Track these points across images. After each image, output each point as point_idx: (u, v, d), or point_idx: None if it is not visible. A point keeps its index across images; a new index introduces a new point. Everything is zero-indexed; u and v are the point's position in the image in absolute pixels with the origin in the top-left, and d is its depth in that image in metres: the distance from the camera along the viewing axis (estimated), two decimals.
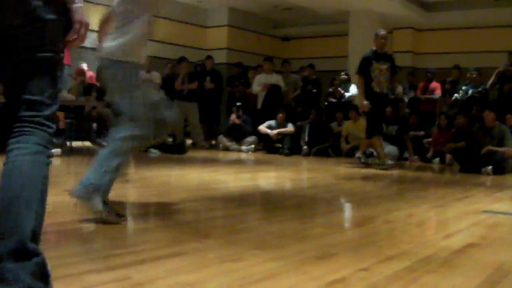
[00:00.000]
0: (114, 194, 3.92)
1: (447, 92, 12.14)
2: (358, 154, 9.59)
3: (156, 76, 12.28)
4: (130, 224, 3.84)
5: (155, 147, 10.57)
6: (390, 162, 9.15)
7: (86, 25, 2.07)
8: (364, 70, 8.83)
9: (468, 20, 15.89)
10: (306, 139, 11.52)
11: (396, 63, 15.47)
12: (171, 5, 16.03)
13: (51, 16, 1.97)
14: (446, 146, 10.00)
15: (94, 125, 11.23)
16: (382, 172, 8.51)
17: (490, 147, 8.85)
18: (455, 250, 3.21)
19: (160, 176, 6.90)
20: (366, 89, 8.78)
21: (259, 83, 12.27)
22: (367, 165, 9.11)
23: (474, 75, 11.62)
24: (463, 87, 11.65)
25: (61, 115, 9.47)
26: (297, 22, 18.66)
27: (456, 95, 11.82)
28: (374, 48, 9.02)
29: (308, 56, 17.68)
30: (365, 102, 8.72)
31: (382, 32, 9.21)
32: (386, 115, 10.40)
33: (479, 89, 11.43)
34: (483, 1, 14.39)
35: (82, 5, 2.06)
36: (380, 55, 8.94)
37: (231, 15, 17.60)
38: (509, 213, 4.74)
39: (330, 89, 12.94)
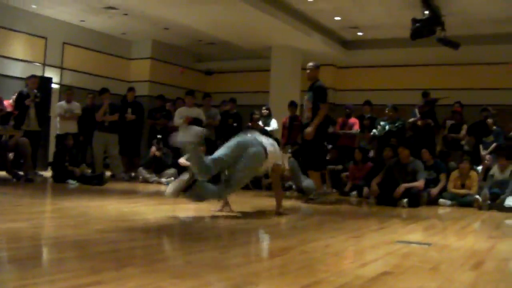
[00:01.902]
0: (31, 224, 3.83)
1: (365, 128, 12.46)
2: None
3: (76, 107, 12.13)
4: (47, 254, 3.75)
5: (74, 178, 10.41)
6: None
7: None
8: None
9: (385, 59, 16.47)
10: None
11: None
12: (94, 36, 15.93)
13: None
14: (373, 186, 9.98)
15: (11, 154, 10.94)
16: (302, 204, 8.61)
17: (404, 185, 9.09)
18: (370, 278, 3.28)
19: (78, 207, 6.75)
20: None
21: (180, 116, 12.25)
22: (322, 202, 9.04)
23: (391, 112, 11.99)
24: (381, 123, 11.99)
25: None
26: (220, 56, 18.83)
27: (374, 130, 12.15)
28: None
29: (230, 90, 17.86)
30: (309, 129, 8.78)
31: (309, 64, 9.38)
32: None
33: (396, 124, 11.79)
34: (400, 42, 14.92)
35: None
36: (309, 87, 9.11)
37: (154, 47, 17.62)
38: (422, 243, 4.88)
39: (250, 124, 13.05)
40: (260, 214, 7.16)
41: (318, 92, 8.90)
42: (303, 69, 16.23)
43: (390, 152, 10.39)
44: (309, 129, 8.72)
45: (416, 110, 12.22)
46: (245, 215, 6.88)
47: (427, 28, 12.08)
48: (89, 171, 11.19)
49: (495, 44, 14.81)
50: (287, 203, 8.90)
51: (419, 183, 9.22)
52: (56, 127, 12.37)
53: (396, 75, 17.01)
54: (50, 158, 12.60)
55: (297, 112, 13.02)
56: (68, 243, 4.14)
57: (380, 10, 13.55)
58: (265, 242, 5.13)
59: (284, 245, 4.56)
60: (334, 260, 4.00)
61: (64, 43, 15.57)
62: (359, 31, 15.68)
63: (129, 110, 12.77)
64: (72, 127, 11.95)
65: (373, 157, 11.69)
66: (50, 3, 13.55)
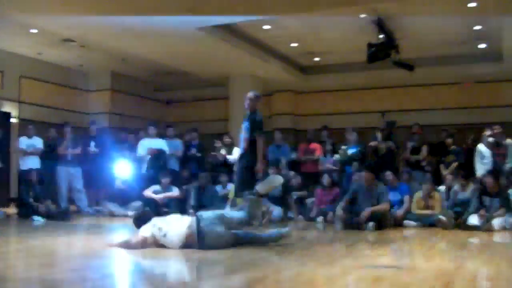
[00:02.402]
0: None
1: (327, 153, 12.60)
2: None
3: (38, 142, 12.01)
4: None
5: (38, 214, 10.30)
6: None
7: None
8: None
9: (343, 83, 16.72)
10: (193, 202, 11.52)
11: (278, 125, 16.01)
12: (52, 69, 15.80)
13: None
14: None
15: None
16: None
17: (369, 209, 9.18)
18: None
19: (46, 245, 6.67)
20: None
21: (144, 148, 12.24)
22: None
23: (353, 136, 12.14)
24: (343, 147, 12.13)
25: None
26: (179, 86, 18.85)
27: (336, 155, 12.30)
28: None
29: (190, 119, 17.88)
30: (261, 165, 8.63)
31: (249, 94, 9.10)
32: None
33: (358, 148, 11.95)
34: (356, 65, 15.14)
35: None
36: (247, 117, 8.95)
37: (113, 79, 17.50)
38: (391, 266, 4.95)
39: (213, 153, 13.08)
40: None
41: (255, 124, 8.72)
42: (263, 96, 16.38)
43: (357, 176, 10.53)
44: (259, 166, 8.61)
45: (378, 134, 12.40)
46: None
47: (382, 51, 12.30)
48: (54, 206, 11.06)
49: (449, 65, 15.15)
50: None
51: (384, 206, 9.34)
52: (18, 162, 12.21)
53: (355, 99, 17.25)
54: (12, 195, 12.42)
55: None
56: (38, 284, 4.10)
57: (335, 36, 13.75)
58: (237, 273, 5.13)
59: (256, 275, 4.58)
60: None
61: (21, 76, 15.38)
62: (316, 57, 15.87)
63: (93, 143, 12.71)
64: (35, 162, 11.81)
65: (338, 181, 11.80)
66: (5, 36, 13.43)
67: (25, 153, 11.94)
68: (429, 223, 9.77)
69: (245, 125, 8.67)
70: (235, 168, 9.97)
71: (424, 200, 10.21)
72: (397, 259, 5.77)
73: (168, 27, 11.80)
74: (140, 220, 6.27)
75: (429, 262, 5.44)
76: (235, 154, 12.78)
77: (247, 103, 8.87)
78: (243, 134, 8.69)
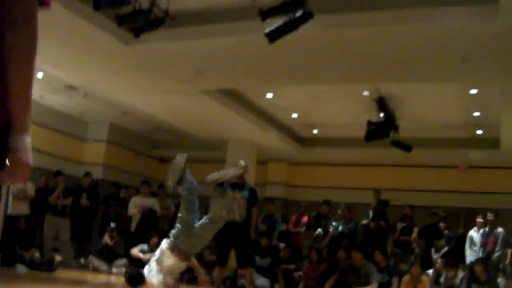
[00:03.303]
0: None
1: (311, 226, 12.53)
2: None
3: (30, 187, 11.85)
4: None
5: (22, 262, 10.12)
6: None
7: (22, 168, 1.82)
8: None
9: (339, 157, 16.78)
10: None
11: (270, 194, 15.97)
12: (51, 114, 15.78)
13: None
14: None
15: None
16: None
17: None
18: None
19: None
20: None
21: (135, 205, 12.15)
22: None
23: (344, 212, 12.11)
24: (333, 223, 12.07)
25: None
26: (176, 144, 18.81)
27: (319, 229, 12.25)
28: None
29: None
30: None
31: (242, 163, 9.46)
32: (260, 247, 10.59)
33: (349, 225, 11.90)
34: (354, 141, 15.18)
35: (22, 143, 1.82)
36: (237, 184, 9.29)
37: (111, 130, 17.46)
38: None
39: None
40: None
41: (255, 194, 9.44)
42: (258, 163, 16.44)
43: (343, 254, 10.44)
44: (252, 232, 9.34)
45: (370, 211, 12.38)
46: None
47: (381, 130, 12.36)
48: (39, 256, 10.88)
49: (446, 148, 15.25)
50: None
51: (373, 287, 9.25)
52: (7, 207, 12.04)
53: (349, 174, 17.28)
54: None
55: None
56: None
57: (336, 110, 13.88)
58: None
59: None
60: None
61: None
62: (315, 129, 15.97)
63: (84, 195, 12.60)
64: (24, 209, 11.62)
65: (324, 257, 11.68)
66: None
67: (17, 197, 11.75)
68: None
69: (244, 194, 9.10)
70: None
71: (412, 283, 10.11)
72: None
73: (173, 85, 11.88)
74: (135, 280, 6.22)
75: None
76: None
77: (244, 173, 9.28)
78: (241, 203, 9.08)
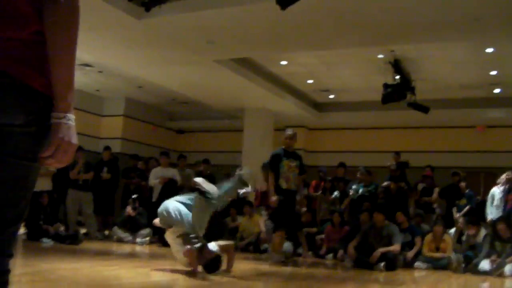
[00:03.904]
0: None
1: (327, 190, 12.58)
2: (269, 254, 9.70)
3: None
4: None
5: (48, 236, 10.28)
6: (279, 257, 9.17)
7: (67, 146, 1.79)
8: (274, 166, 9.14)
9: (356, 121, 16.74)
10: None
11: None
12: None
13: (45, 122, 1.78)
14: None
15: None
16: (277, 268, 8.61)
17: (380, 250, 9.15)
18: None
19: (55, 269, 6.64)
20: (275, 185, 9.11)
21: (155, 176, 12.25)
22: (284, 262, 9.13)
23: (364, 175, 12.13)
24: (354, 186, 12.10)
25: None
26: (193, 116, 18.93)
27: (336, 193, 12.30)
28: (283, 147, 9.39)
29: (202, 149, 17.95)
30: (275, 198, 9.05)
31: (289, 132, 9.55)
32: None
33: (369, 188, 11.93)
34: (371, 104, 15.18)
35: (67, 122, 1.80)
36: (289, 153, 9.30)
37: (127, 105, 17.61)
38: None
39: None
40: (237, 278, 7.13)
41: (302, 162, 9.55)
42: (275, 130, 16.46)
43: (366, 216, 10.48)
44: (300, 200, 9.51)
45: (390, 174, 12.40)
46: (221, 279, 6.86)
47: (398, 92, 12.32)
48: (64, 229, 11.05)
49: (463, 108, 15.18)
50: (262, 266, 8.91)
51: (395, 247, 9.30)
52: None
53: (368, 138, 17.28)
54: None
55: None
56: None
57: (351, 74, 13.85)
58: None
59: None
60: None
61: None
62: (331, 94, 15.95)
63: (105, 169, 12.72)
64: (46, 185, 11.76)
65: (347, 220, 11.74)
66: None
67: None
68: (439, 266, 9.72)
69: (297, 163, 9.30)
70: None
71: (435, 243, 10.16)
72: None
73: (186, 57, 11.89)
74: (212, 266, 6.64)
75: None
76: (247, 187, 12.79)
77: (294, 141, 9.52)
78: (294, 171, 9.23)
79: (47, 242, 10.18)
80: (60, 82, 1.78)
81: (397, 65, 12.10)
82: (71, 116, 1.80)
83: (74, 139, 1.80)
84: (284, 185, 9.16)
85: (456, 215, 11.66)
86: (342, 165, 13.08)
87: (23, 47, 1.73)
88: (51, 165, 1.81)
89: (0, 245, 1.78)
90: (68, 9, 1.77)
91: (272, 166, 9.23)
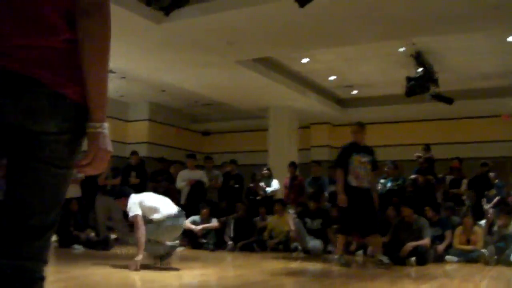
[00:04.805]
0: None
1: None
2: (336, 256, 8.86)
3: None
4: None
5: (79, 242, 10.40)
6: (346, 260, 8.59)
7: (103, 154, 1.88)
8: (342, 162, 8.46)
9: (381, 115, 16.66)
10: (231, 234, 11.53)
11: (315, 157, 16.04)
12: None
13: (79, 130, 1.85)
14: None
15: None
16: (307, 266, 8.61)
17: (411, 244, 9.09)
18: None
19: (87, 275, 6.72)
20: (344, 183, 8.34)
21: (183, 179, 12.32)
22: (347, 264, 8.50)
23: (391, 169, 12.07)
24: (381, 181, 12.05)
25: None
26: (217, 117, 19.02)
27: None
28: (353, 140, 8.69)
29: (228, 150, 18.02)
30: (343, 197, 8.31)
31: (354, 125, 8.93)
32: (310, 210, 10.68)
33: (397, 182, 11.87)
34: (394, 98, 15.12)
35: (102, 131, 1.88)
36: (360, 148, 8.56)
37: (152, 109, 17.76)
38: None
39: (251, 185, 13.10)
40: (268, 278, 7.15)
41: (375, 158, 8.69)
42: (300, 128, 16.48)
43: (393, 211, 10.44)
44: (376, 197, 8.64)
45: (417, 167, 12.33)
46: (252, 279, 6.88)
47: (421, 85, 12.26)
48: (94, 235, 11.17)
49: (487, 98, 15.04)
50: (293, 264, 8.93)
51: (426, 241, 9.24)
52: None
53: (392, 131, 17.20)
54: None
55: (297, 172, 13.10)
56: None
57: (374, 69, 13.80)
58: None
59: None
60: None
61: None
62: (354, 90, 15.91)
63: (133, 173, 12.82)
64: (75, 191, 11.90)
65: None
66: None
67: None
68: (471, 258, 9.64)
69: (369, 158, 8.55)
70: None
71: (465, 235, 10.08)
72: None
73: (207, 59, 11.94)
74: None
75: None
76: (274, 186, 12.83)
77: (363, 134, 8.77)
78: (366, 167, 8.46)
79: (78, 248, 10.29)
80: (96, 92, 1.84)
81: (419, 58, 12.05)
82: (106, 125, 1.88)
83: (110, 147, 1.88)
84: (353, 182, 8.33)
85: (486, 206, 11.57)
86: None
87: (56, 55, 1.78)
88: (88, 173, 1.89)
89: (36, 251, 1.83)
90: (101, 21, 1.82)
91: (340, 161, 8.50)
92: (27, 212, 1.80)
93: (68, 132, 1.81)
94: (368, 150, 8.62)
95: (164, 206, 7.46)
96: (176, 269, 7.41)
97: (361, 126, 8.81)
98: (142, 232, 6.95)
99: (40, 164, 1.78)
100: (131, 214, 7.05)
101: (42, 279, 1.87)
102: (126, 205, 7.19)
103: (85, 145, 1.90)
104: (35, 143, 1.76)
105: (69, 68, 1.81)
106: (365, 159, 8.41)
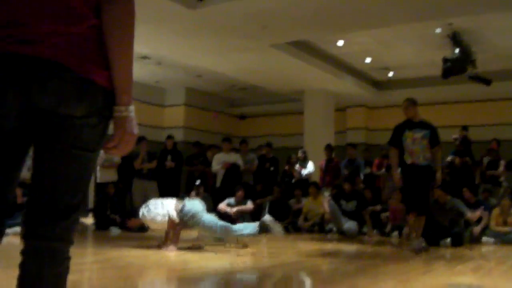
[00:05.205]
0: (82, 277, 3.87)
1: (390, 167, 12.38)
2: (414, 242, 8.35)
3: (115, 156, 12.27)
4: None
5: (115, 225, 10.58)
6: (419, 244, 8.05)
7: (129, 137, 1.94)
8: (395, 141, 8.29)
9: (418, 97, 16.36)
10: (266, 216, 11.57)
11: (351, 140, 15.97)
12: None
13: (106, 114, 1.91)
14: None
15: None
16: (342, 247, 8.63)
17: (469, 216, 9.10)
18: None
19: (124, 256, 6.84)
20: (400, 161, 8.18)
21: (218, 162, 12.42)
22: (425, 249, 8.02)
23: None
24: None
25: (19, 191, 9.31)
26: (253, 101, 19.03)
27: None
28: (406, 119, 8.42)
29: (264, 133, 18.03)
30: (396, 176, 8.23)
31: (404, 102, 8.69)
32: (345, 192, 10.67)
33: None
34: (431, 80, 14.95)
35: (129, 114, 1.94)
36: (414, 124, 8.27)
37: (188, 94, 17.86)
38: (473, 286, 4.88)
39: (286, 167, 13.13)
40: (304, 259, 7.19)
41: (435, 133, 8.27)
42: (336, 111, 16.41)
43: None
44: (439, 175, 8.14)
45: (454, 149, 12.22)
46: (287, 260, 6.93)
47: (458, 66, 12.09)
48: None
49: None
50: (328, 246, 8.95)
51: (471, 215, 9.31)
52: (96, 175, 12.51)
53: (429, 113, 16.83)
54: (90, 205, 12.73)
55: (332, 155, 13.09)
56: None
57: (409, 51, 13.64)
58: None
59: None
60: None
61: None
62: (390, 72, 15.77)
63: (169, 157, 12.96)
64: (112, 176, 12.07)
65: None
66: None
67: (103, 166, 12.17)
68: (508, 240, 9.55)
69: (425, 133, 8.13)
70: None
71: (502, 217, 9.99)
72: (477, 278, 5.67)
73: (241, 43, 11.96)
74: None
75: (510, 282, 5.33)
76: (309, 168, 12.84)
77: (411, 110, 8.40)
78: (422, 143, 8.10)
79: (115, 231, 10.47)
80: (121, 76, 1.90)
81: (455, 38, 11.87)
82: (132, 108, 1.93)
83: (136, 130, 1.94)
84: (409, 160, 8.08)
85: None
86: None
87: (82, 41, 1.83)
88: (114, 154, 1.98)
89: (63, 232, 1.89)
90: (124, 6, 1.88)
91: (392, 140, 8.32)
92: (55, 194, 1.86)
93: (95, 115, 1.87)
94: (423, 125, 8.26)
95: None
96: (212, 251, 7.48)
97: (410, 101, 8.53)
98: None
99: (67, 147, 1.84)
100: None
101: (68, 258, 1.93)
102: None
103: (111, 129, 1.96)
104: (63, 127, 1.82)
105: (96, 53, 1.86)
106: (418, 134, 8.10)
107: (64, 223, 1.88)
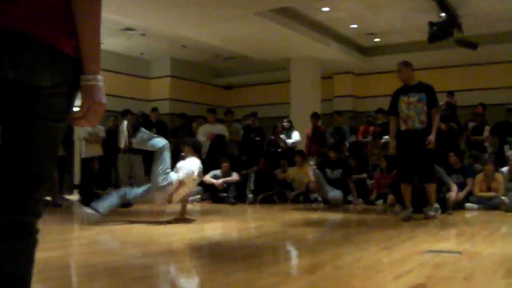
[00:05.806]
0: (64, 253, 3.83)
1: (377, 134, 12.37)
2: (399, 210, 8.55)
3: (100, 130, 12.16)
4: (80, 283, 3.81)
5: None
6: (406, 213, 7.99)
7: (97, 106, 1.90)
8: (392, 108, 8.10)
9: None
10: (252, 187, 11.57)
11: (338, 108, 15.90)
12: (113, 57, 16.05)
13: (73, 83, 1.87)
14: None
15: None
16: (327, 216, 8.62)
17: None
18: None
19: (108, 231, 6.80)
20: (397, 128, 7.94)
21: (203, 133, 12.34)
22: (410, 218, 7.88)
23: None
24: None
25: None
26: (239, 70, 18.90)
27: (386, 137, 12.09)
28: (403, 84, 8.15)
29: (250, 103, 17.94)
30: (391, 144, 8.06)
31: (397, 65, 8.37)
32: (331, 160, 10.62)
33: None
34: (417, 45, 14.84)
35: (97, 83, 1.89)
36: (409, 88, 7.97)
37: (173, 65, 17.72)
38: (452, 251, 4.86)
39: (272, 137, 13.07)
40: (287, 229, 7.17)
41: (433, 94, 7.95)
42: (323, 78, 16.30)
43: None
44: (432, 137, 7.73)
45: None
46: (272, 230, 6.91)
47: (444, 30, 12.03)
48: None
49: None
50: (313, 215, 8.95)
51: (454, 186, 9.33)
52: (81, 150, 12.42)
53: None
54: (76, 182, 12.68)
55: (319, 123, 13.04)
56: (101, 271, 4.18)
57: (395, 15, 13.52)
58: (296, 259, 5.15)
59: (316, 260, 4.58)
60: (367, 274, 4.00)
61: None
62: (376, 37, 15.65)
63: (154, 130, 12.85)
64: (97, 151, 11.98)
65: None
66: None
67: (88, 141, 12.07)
68: (491, 206, 9.56)
69: (420, 96, 7.82)
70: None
71: (486, 182, 9.98)
72: (458, 244, 5.67)
73: (226, 12, 11.82)
74: None
75: (491, 247, 5.32)
76: (295, 137, 12.78)
77: (404, 74, 8.10)
78: (417, 106, 7.80)
79: None
80: (89, 45, 1.86)
81: (441, 2, 11.76)
82: (100, 77, 1.89)
83: (104, 99, 1.90)
84: (403, 126, 7.85)
85: (508, 152, 11.40)
86: (380, 111, 12.82)
87: (50, 10, 1.79)
88: (82, 125, 1.92)
89: (31, 204, 1.86)
90: None
91: (389, 108, 8.17)
92: (24, 166, 1.83)
93: (63, 85, 1.83)
94: (419, 88, 7.95)
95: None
96: (197, 223, 7.45)
97: (403, 64, 8.23)
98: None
99: (36, 118, 1.80)
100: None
101: (37, 232, 1.90)
102: None
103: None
104: (31, 97, 1.78)
105: (64, 22, 1.82)
106: (414, 98, 7.81)
107: (34, 195, 1.86)
